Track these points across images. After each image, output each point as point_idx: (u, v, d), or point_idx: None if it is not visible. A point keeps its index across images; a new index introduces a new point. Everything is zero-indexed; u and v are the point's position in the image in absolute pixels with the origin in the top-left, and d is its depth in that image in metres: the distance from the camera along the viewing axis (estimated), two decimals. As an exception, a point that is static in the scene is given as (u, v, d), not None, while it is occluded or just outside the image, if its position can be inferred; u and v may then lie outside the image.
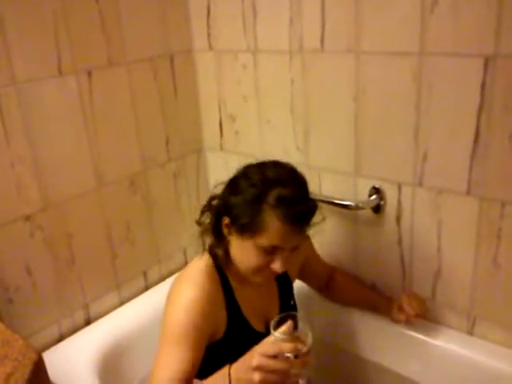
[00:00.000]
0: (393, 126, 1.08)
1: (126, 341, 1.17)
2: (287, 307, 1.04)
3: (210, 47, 1.34)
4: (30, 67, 1.05)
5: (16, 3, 1.00)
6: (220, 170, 1.47)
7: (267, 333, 0.98)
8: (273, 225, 0.84)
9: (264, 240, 0.84)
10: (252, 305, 0.98)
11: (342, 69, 1.11)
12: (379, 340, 1.20)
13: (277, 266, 0.86)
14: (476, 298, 1.09)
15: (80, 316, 1.23)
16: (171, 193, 1.42)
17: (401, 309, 1.09)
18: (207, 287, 0.91)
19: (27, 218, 1.09)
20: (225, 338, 0.93)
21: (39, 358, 0.76)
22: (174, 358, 0.83)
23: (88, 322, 1.24)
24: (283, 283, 1.06)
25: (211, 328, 0.91)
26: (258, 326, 0.98)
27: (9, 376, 0.67)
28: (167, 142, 1.37)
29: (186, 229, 1.46)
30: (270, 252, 0.86)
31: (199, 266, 0.94)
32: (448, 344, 1.11)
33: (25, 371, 0.68)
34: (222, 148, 1.44)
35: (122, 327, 1.20)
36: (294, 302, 1.08)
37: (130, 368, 1.18)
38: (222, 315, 0.93)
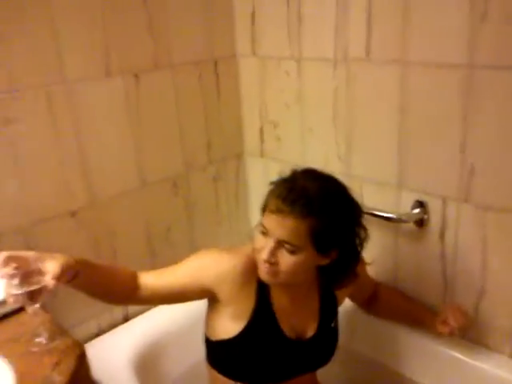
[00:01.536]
0: (439, 138, 1.06)
1: (163, 339, 1.19)
2: (326, 329, 1.02)
3: (254, 53, 1.35)
4: (80, 67, 1.09)
5: (67, 4, 1.04)
6: (259, 176, 1.47)
7: (298, 341, 0.98)
8: (268, 202, 0.89)
9: (263, 219, 0.90)
10: (286, 311, 0.97)
11: (388, 79, 1.10)
12: (419, 358, 1.17)
13: (263, 253, 0.88)
14: (521, 321, 1.05)
15: (119, 312, 1.26)
16: (211, 196, 1.44)
17: (445, 322, 1.06)
18: (238, 263, 0.93)
19: (73, 214, 1.13)
20: (248, 329, 0.94)
21: (83, 351, 0.79)
22: (163, 269, 0.96)
23: (126, 319, 1.27)
24: (327, 303, 1.02)
25: (218, 293, 0.93)
26: (289, 332, 0.97)
27: (55, 366, 0.70)
28: (209, 146, 1.39)
29: (223, 232, 1.47)
30: (265, 235, 0.89)
31: (244, 250, 0.97)
32: (490, 366, 1.07)
33: (70, 363, 0.71)
34: (262, 154, 1.45)
35: (159, 325, 1.22)
36: (336, 325, 1.05)
37: (166, 366, 1.19)
38: (248, 303, 0.94)
